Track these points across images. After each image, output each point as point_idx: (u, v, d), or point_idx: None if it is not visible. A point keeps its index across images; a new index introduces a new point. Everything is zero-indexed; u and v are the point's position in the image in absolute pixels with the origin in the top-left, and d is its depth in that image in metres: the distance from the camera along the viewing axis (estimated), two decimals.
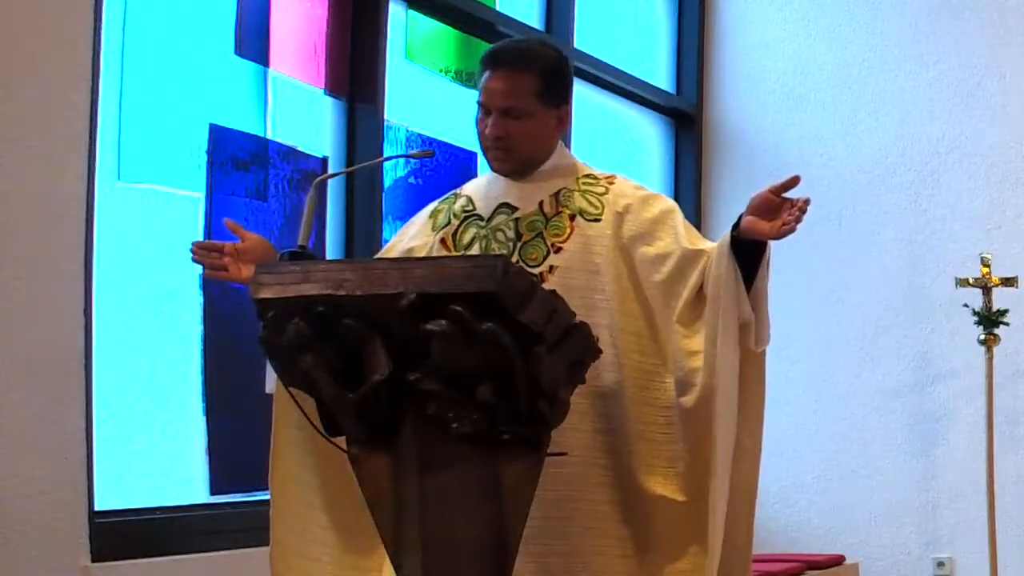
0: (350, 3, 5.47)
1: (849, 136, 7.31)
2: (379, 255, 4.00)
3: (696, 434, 3.41)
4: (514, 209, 3.54)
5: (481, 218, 3.57)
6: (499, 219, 3.55)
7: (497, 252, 3.48)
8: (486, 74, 3.50)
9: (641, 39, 7.45)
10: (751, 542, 3.49)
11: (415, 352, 2.97)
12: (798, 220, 3.29)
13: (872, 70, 7.29)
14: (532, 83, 3.48)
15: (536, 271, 3.44)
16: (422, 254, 3.57)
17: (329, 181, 5.29)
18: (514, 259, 3.45)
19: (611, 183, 3.58)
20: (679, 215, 3.53)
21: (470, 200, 3.62)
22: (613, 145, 7.22)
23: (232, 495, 4.90)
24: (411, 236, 3.67)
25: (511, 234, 3.53)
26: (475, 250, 3.52)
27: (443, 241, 3.58)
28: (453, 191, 3.71)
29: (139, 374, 4.61)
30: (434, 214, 3.66)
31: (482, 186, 3.64)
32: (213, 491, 4.85)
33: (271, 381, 3.48)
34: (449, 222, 3.61)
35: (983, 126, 7.11)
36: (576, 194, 3.55)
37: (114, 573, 4.23)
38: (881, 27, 7.29)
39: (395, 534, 3.09)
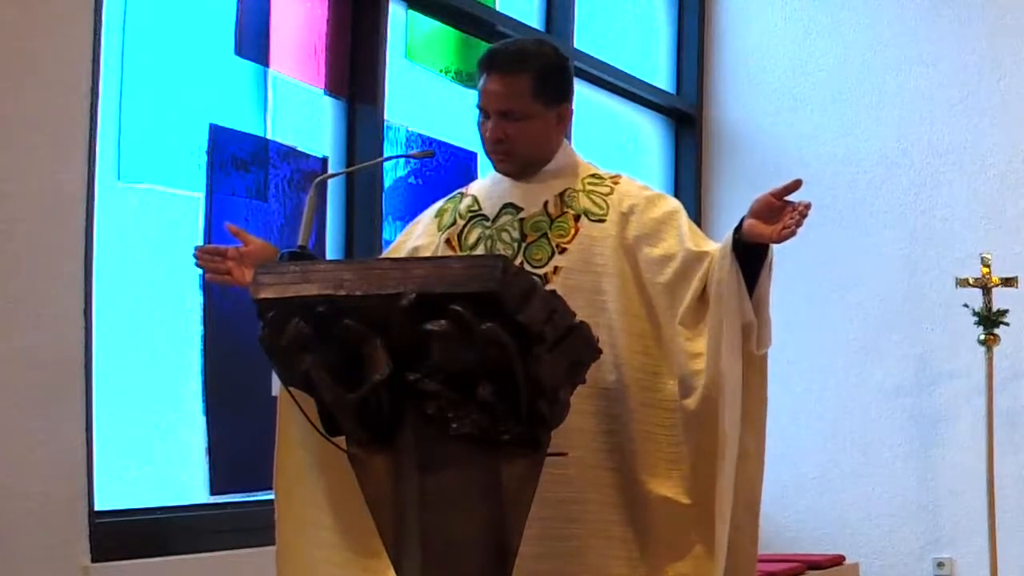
0: (350, 3, 5.47)
1: (849, 136, 7.31)
2: (385, 254, 4.00)
3: (699, 436, 3.40)
4: (519, 210, 3.54)
5: (487, 218, 3.57)
6: (504, 219, 3.54)
7: (501, 253, 3.47)
8: (483, 77, 3.50)
9: (641, 39, 7.44)
10: (756, 544, 3.48)
11: (415, 352, 2.97)
12: (799, 224, 3.29)
13: (872, 70, 7.29)
14: (529, 84, 3.47)
15: (541, 272, 3.44)
16: (427, 253, 3.57)
17: (329, 181, 5.29)
18: (518, 260, 3.45)
19: (616, 183, 3.57)
20: (684, 215, 3.53)
21: (476, 200, 3.61)
22: (613, 145, 7.22)
23: (232, 495, 4.90)
24: (417, 235, 3.67)
25: (516, 235, 3.52)
26: (480, 250, 3.52)
27: (448, 241, 3.58)
28: (459, 190, 3.70)
29: (139, 374, 4.61)
30: (440, 213, 3.66)
31: (487, 186, 3.64)
32: (213, 491, 4.84)
33: (277, 384, 3.47)
34: (455, 222, 3.60)
35: (983, 126, 7.10)
36: (581, 194, 3.54)
37: (114, 573, 4.23)
38: (881, 27, 7.29)
39: (395, 534, 3.08)
